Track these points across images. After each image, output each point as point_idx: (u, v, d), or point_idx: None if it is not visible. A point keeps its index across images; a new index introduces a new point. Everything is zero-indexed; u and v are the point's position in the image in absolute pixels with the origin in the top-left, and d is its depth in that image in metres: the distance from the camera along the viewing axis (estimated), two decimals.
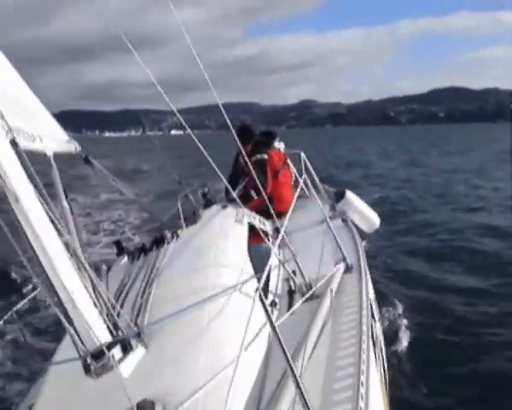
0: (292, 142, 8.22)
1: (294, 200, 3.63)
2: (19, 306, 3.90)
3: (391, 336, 6.17)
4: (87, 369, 2.05)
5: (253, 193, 5.05)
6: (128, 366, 2.17)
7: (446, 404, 5.09)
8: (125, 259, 3.93)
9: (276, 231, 4.26)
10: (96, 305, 2.20)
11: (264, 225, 4.19)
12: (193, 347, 2.37)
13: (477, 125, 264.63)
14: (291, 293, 3.35)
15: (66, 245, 2.17)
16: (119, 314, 2.35)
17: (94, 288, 2.26)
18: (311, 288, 3.14)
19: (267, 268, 2.43)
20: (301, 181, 4.25)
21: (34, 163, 2.19)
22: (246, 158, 3.24)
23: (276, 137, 5.72)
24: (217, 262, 3.13)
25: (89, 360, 2.05)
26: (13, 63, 3.36)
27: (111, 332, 2.19)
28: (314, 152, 37.97)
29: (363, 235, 5.33)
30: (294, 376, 1.80)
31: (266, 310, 1.91)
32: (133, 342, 2.25)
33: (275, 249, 2.60)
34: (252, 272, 3.15)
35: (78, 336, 2.09)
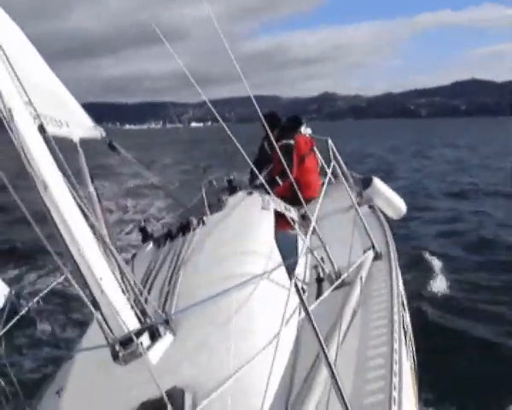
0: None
1: (325, 186, 3.56)
2: (46, 291, 3.93)
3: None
4: (115, 356, 2.05)
5: (278, 179, 4.99)
6: (156, 354, 2.16)
7: (472, 389, 5.03)
8: (151, 245, 3.92)
9: (303, 217, 4.20)
10: (123, 291, 2.19)
11: (290, 212, 4.14)
12: (221, 334, 2.35)
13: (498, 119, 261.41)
14: (319, 281, 3.29)
15: (94, 231, 2.16)
16: (146, 301, 2.34)
17: (122, 274, 2.25)
18: (340, 275, 3.07)
19: (299, 256, 2.39)
20: (330, 168, 4.18)
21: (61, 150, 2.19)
22: (274, 142, 3.18)
23: (302, 122, 5.64)
24: (244, 249, 3.09)
25: (117, 348, 2.04)
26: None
27: (139, 319, 2.18)
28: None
29: (390, 222, 5.25)
30: (328, 362, 1.75)
31: (301, 297, 1.87)
32: (161, 329, 2.24)
33: (303, 236, 2.56)
34: (279, 259, 3.11)
35: (106, 322, 2.08)
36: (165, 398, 1.73)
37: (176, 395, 1.97)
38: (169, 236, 3.75)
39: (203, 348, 2.30)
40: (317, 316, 2.18)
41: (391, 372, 2.08)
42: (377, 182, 5.67)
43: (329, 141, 4.62)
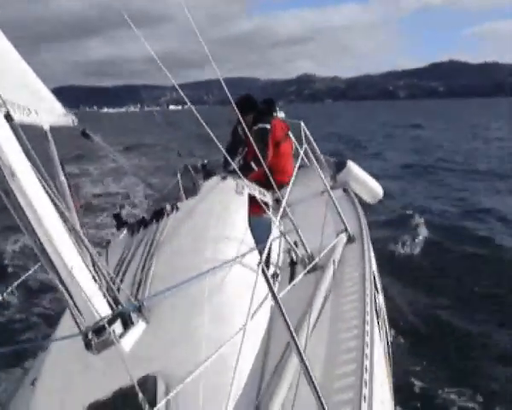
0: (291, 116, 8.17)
1: (295, 170, 3.56)
2: (19, 281, 3.89)
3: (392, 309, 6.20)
4: (88, 345, 2.05)
5: (252, 164, 4.98)
6: (129, 341, 2.17)
7: (446, 375, 5.12)
8: (125, 232, 3.90)
9: (277, 202, 4.21)
10: (95, 279, 2.19)
11: (265, 196, 4.14)
12: (194, 320, 2.36)
13: (478, 101, 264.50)
14: (292, 264, 3.31)
15: (65, 220, 2.15)
16: (119, 289, 2.34)
17: (93, 262, 2.24)
18: (313, 259, 3.10)
19: (269, 240, 2.39)
20: (302, 151, 4.18)
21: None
22: (245, 128, 3.17)
23: (276, 106, 5.63)
24: (217, 234, 3.09)
25: (90, 336, 2.04)
26: (9, 38, 3.29)
27: (111, 307, 2.18)
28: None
29: (366, 206, 5.28)
30: (297, 348, 1.78)
31: (269, 282, 1.88)
32: (134, 316, 2.25)
33: (276, 220, 2.57)
34: (252, 243, 3.12)
35: (79, 310, 2.08)
36: (137, 387, 1.73)
37: (148, 383, 1.99)
38: (143, 222, 3.72)
39: (176, 335, 2.31)
40: (290, 300, 2.20)
41: (362, 355, 2.09)
42: (351, 165, 5.69)
43: (302, 124, 4.62)
